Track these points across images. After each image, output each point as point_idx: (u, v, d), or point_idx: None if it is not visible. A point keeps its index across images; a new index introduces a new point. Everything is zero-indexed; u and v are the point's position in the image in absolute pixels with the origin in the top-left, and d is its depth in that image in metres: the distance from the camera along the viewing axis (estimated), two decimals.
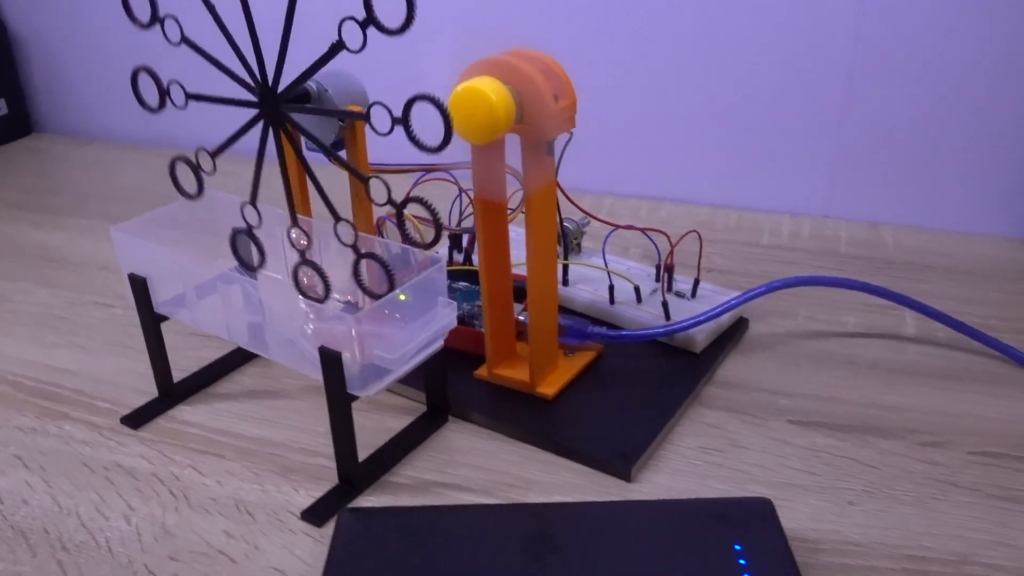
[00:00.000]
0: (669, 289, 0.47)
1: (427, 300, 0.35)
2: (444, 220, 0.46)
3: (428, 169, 0.41)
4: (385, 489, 0.36)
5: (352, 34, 0.30)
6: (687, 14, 0.58)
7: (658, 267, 0.47)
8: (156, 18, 0.35)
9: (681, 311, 0.44)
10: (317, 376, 0.34)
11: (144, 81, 0.36)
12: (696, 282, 0.46)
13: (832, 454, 0.37)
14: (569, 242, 0.50)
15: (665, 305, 0.44)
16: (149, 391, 0.42)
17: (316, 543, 0.33)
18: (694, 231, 0.46)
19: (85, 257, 0.57)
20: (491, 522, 0.32)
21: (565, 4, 0.61)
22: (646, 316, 0.45)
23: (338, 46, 0.30)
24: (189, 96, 0.36)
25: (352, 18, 0.30)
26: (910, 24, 0.54)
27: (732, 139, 0.61)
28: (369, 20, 0.29)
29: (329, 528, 0.33)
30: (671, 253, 0.45)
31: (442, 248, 0.51)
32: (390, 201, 0.33)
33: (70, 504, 0.35)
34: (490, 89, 0.33)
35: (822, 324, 0.47)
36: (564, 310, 0.46)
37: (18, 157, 0.78)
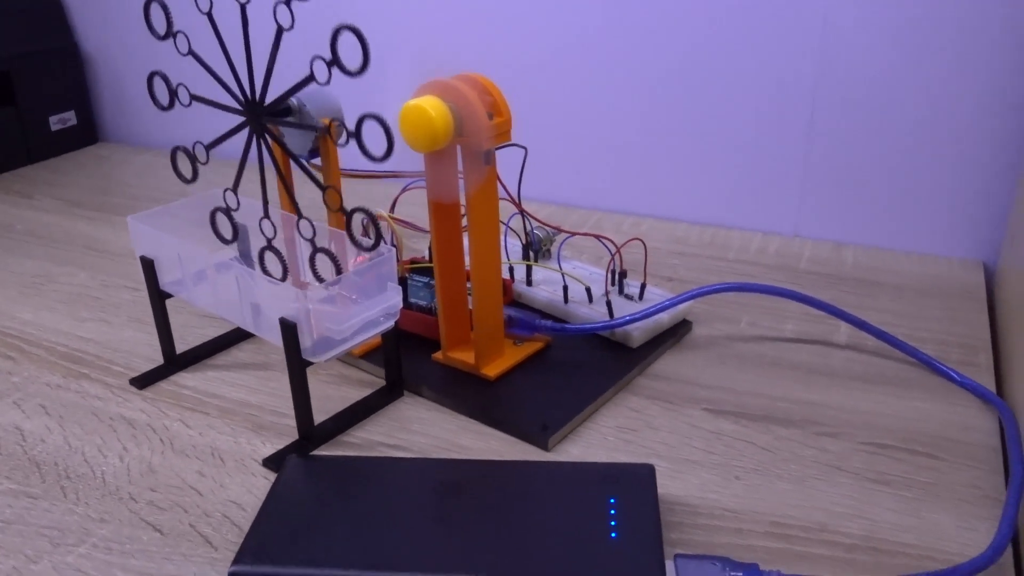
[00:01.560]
0: (621, 292, 0.52)
1: (379, 285, 0.41)
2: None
3: (391, 175, 0.47)
4: (338, 446, 0.42)
5: (321, 70, 0.36)
6: (666, 45, 0.63)
7: (613, 271, 0.52)
8: (170, 32, 0.41)
9: (626, 311, 0.49)
10: (268, 339, 0.40)
11: (158, 84, 0.43)
12: (642, 286, 0.51)
13: (733, 438, 0.42)
14: (539, 248, 0.55)
15: (609, 304, 0.49)
16: (157, 359, 0.49)
17: (270, 483, 0.39)
18: (637, 239, 0.51)
19: (124, 248, 0.65)
20: (412, 471, 0.37)
21: (546, 29, 0.67)
22: (594, 314, 0.50)
23: (309, 79, 0.37)
24: (193, 97, 0.43)
25: (320, 58, 0.36)
26: (869, 60, 0.58)
27: (711, 162, 0.66)
28: (334, 62, 0.36)
29: None
30: (613, 258, 0.50)
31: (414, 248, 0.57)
32: (340, 208, 0.39)
33: (78, 444, 0.42)
34: (430, 106, 0.39)
35: (762, 330, 0.51)
36: (524, 306, 0.52)
37: (85, 162, 0.87)
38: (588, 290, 0.51)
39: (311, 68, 0.36)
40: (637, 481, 0.36)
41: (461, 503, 0.35)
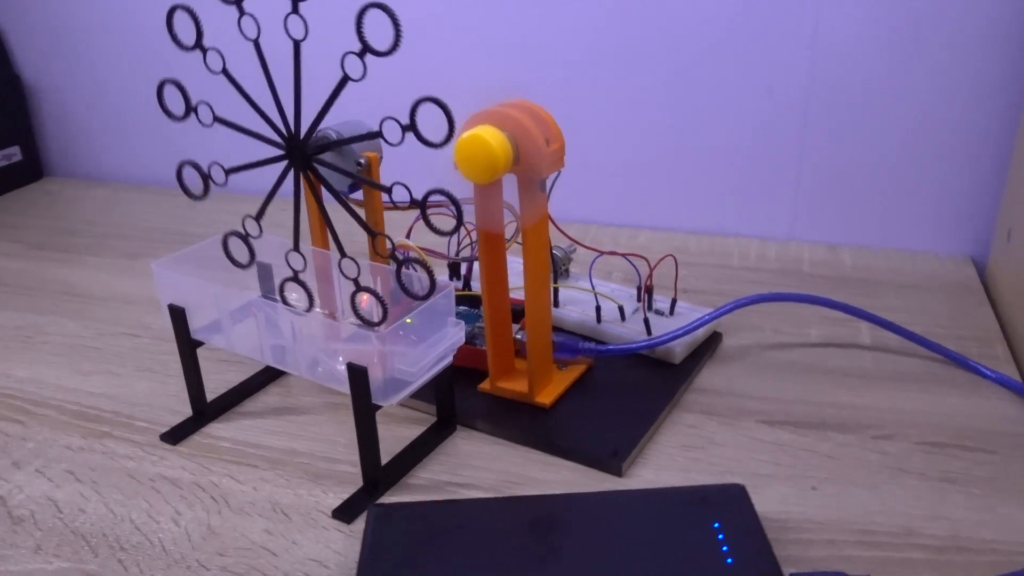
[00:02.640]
0: (649, 308, 0.52)
1: (437, 321, 0.40)
2: (444, 251, 0.51)
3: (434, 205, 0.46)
4: (404, 490, 0.40)
5: (353, 65, 0.35)
6: (658, 58, 0.64)
7: (639, 288, 0.53)
8: (199, 45, 0.39)
9: (660, 327, 0.49)
10: (343, 390, 0.39)
11: (171, 92, 0.40)
12: (673, 301, 0.51)
13: (796, 448, 0.42)
14: (558, 267, 0.55)
15: (647, 322, 0.49)
16: (181, 410, 0.46)
17: (347, 537, 0.37)
18: (670, 255, 0.51)
19: (109, 292, 0.61)
20: (502, 512, 0.36)
21: (534, 47, 0.66)
22: (629, 332, 0.50)
23: (344, 79, 0.35)
24: (217, 119, 0.40)
25: (351, 52, 0.35)
26: (858, 66, 0.60)
27: (705, 172, 0.67)
28: (364, 49, 0.34)
29: (357, 524, 0.38)
30: (650, 275, 0.50)
31: (443, 275, 0.56)
32: (393, 257, 0.38)
33: (122, 511, 0.39)
34: (490, 136, 0.38)
35: (787, 336, 0.53)
36: (556, 329, 0.51)
37: (34, 200, 0.82)
38: (621, 308, 0.51)
39: (342, 67, 0.35)
40: (733, 502, 0.36)
41: (563, 540, 0.34)
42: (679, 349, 0.48)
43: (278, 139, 0.39)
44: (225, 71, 0.39)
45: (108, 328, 0.56)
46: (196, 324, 0.44)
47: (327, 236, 0.45)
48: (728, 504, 0.36)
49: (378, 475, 0.40)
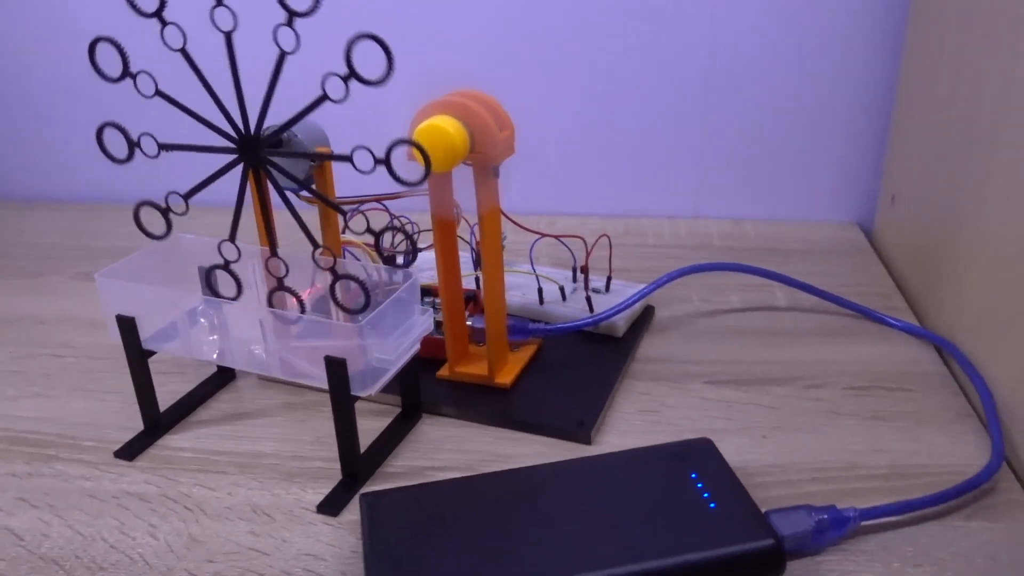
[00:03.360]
0: (586, 287, 0.54)
1: (405, 310, 0.40)
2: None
3: (386, 198, 0.47)
4: (383, 479, 0.41)
5: (335, 87, 0.35)
6: (564, 48, 0.67)
7: (574, 269, 0.55)
8: (127, 73, 0.38)
9: (600, 304, 0.52)
10: (314, 383, 0.39)
11: (112, 135, 0.40)
12: (608, 279, 0.54)
13: (741, 403, 0.46)
14: None
15: (589, 300, 0.52)
16: (129, 426, 0.45)
17: (335, 529, 0.38)
18: (605, 235, 0.54)
19: (14, 314, 0.58)
20: (490, 486, 0.37)
21: (438, 36, 0.68)
22: (572, 311, 0.52)
23: (322, 98, 0.36)
24: (162, 147, 0.40)
25: (335, 74, 0.35)
26: (751, 52, 0.65)
27: (614, 158, 0.70)
28: (351, 75, 0.35)
29: (345, 516, 0.38)
30: (587, 256, 0.53)
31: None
32: (369, 230, 0.39)
33: (91, 531, 0.38)
34: (448, 125, 0.39)
35: (713, 304, 0.56)
36: None
37: None
38: (562, 289, 0.53)
39: (323, 86, 0.35)
40: (703, 454, 0.38)
41: (554, 505, 0.36)
42: (621, 323, 0.51)
43: (231, 134, 0.39)
44: (159, 92, 0.38)
45: (25, 350, 0.53)
46: (145, 334, 0.42)
47: (273, 235, 0.44)
48: (699, 456, 0.38)
49: (358, 467, 0.40)
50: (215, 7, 0.35)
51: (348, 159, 0.37)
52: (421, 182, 0.36)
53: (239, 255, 0.40)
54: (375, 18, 0.68)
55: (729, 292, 0.58)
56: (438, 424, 0.45)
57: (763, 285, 0.58)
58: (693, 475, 0.37)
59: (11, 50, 0.75)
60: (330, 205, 0.39)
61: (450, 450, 0.43)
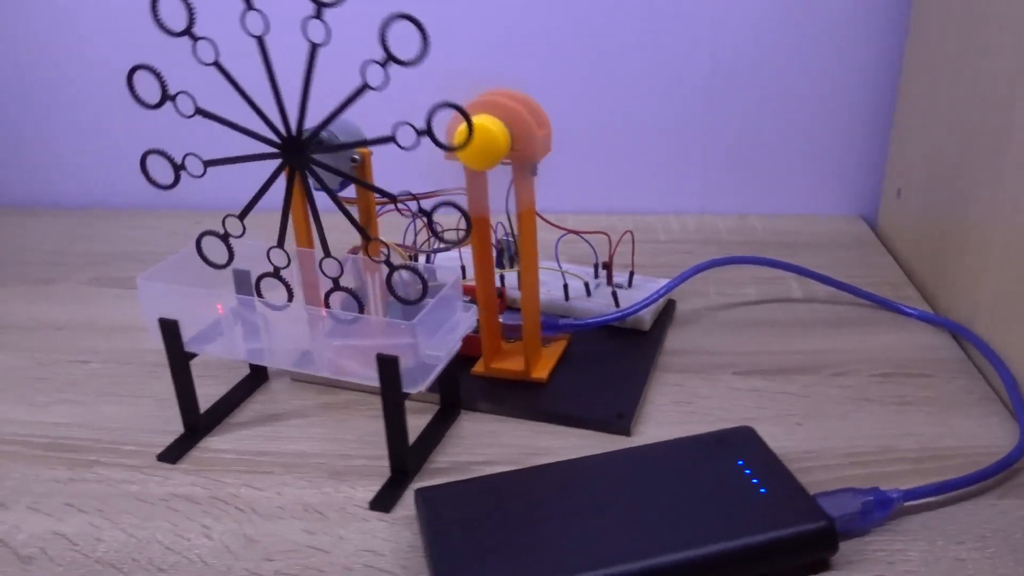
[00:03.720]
0: (608, 282, 0.55)
1: (450, 307, 0.41)
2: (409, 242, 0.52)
3: (422, 196, 0.47)
4: (430, 475, 0.41)
5: (375, 73, 0.36)
6: (571, 49, 0.68)
7: (596, 265, 0.56)
8: (167, 97, 0.38)
9: (625, 299, 0.53)
10: (363, 381, 0.39)
11: (156, 163, 0.40)
12: (631, 274, 0.55)
13: (771, 392, 0.47)
14: (514, 253, 0.57)
15: (614, 295, 0.52)
16: (167, 429, 0.45)
17: (390, 525, 0.38)
18: (629, 232, 0.55)
19: (32, 321, 0.57)
20: (543, 478, 0.38)
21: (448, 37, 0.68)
22: (597, 306, 0.53)
23: (363, 87, 0.36)
24: (207, 163, 0.40)
25: (373, 60, 0.35)
26: (752, 48, 0.66)
27: (623, 157, 0.71)
28: (388, 58, 0.35)
29: (397, 512, 0.39)
30: (613, 251, 0.53)
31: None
32: (421, 211, 0.39)
33: (144, 534, 0.38)
34: (491, 124, 0.40)
35: (730, 297, 0.58)
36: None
37: None
38: (587, 285, 0.54)
39: (362, 75, 0.35)
40: (747, 442, 0.40)
41: (608, 495, 0.37)
42: (648, 317, 0.52)
43: (274, 140, 0.39)
44: (199, 110, 0.38)
45: (47, 357, 0.53)
46: (185, 336, 0.42)
47: (311, 236, 0.45)
48: (743, 444, 0.39)
49: (407, 463, 0.40)
50: (246, 12, 0.35)
51: (391, 140, 0.37)
52: (463, 147, 0.36)
53: (289, 261, 0.40)
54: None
55: (744, 285, 0.59)
56: (476, 420, 0.45)
57: (776, 278, 0.59)
58: (740, 462, 0.38)
59: (9, 55, 0.74)
60: (382, 193, 0.39)
61: (491, 445, 0.43)
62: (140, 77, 0.38)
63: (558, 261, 0.53)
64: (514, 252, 0.57)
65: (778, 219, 0.70)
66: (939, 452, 0.42)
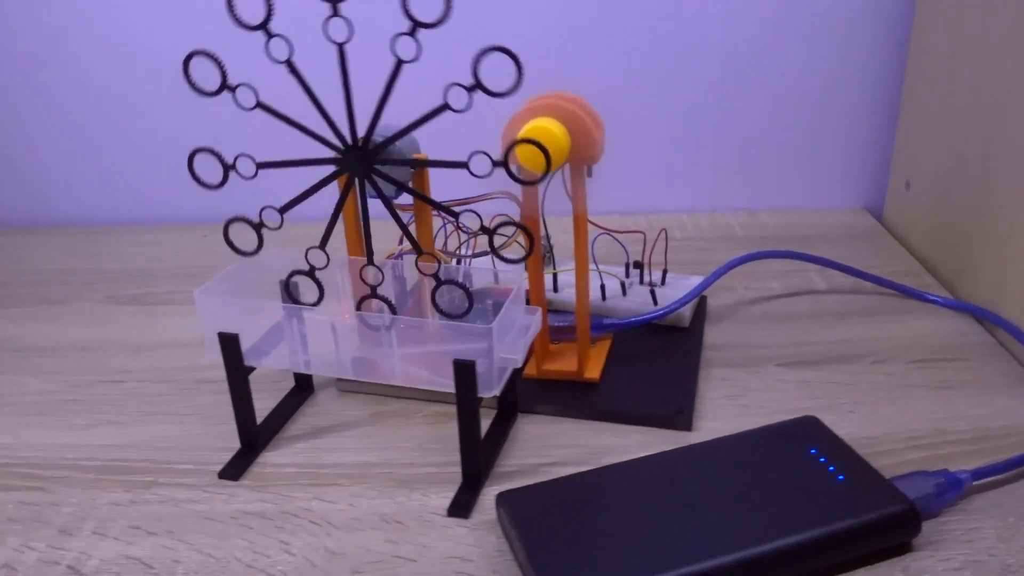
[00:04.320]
0: (641, 281, 0.56)
1: (517, 310, 0.41)
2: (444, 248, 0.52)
3: (473, 201, 0.47)
4: (501, 479, 0.41)
5: (459, 97, 0.36)
6: (581, 50, 0.68)
7: (627, 264, 0.56)
8: (225, 86, 0.37)
9: (661, 297, 0.53)
10: (437, 387, 0.39)
11: (205, 161, 0.39)
12: (664, 272, 0.56)
13: (818, 382, 0.48)
14: (547, 255, 0.57)
15: (652, 293, 0.53)
16: (218, 446, 0.44)
17: (471, 531, 0.38)
18: (663, 230, 0.55)
19: (51, 342, 0.55)
20: (622, 476, 0.38)
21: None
22: (634, 305, 0.53)
23: (443, 107, 0.36)
24: (260, 165, 0.39)
25: (459, 84, 0.35)
26: (761, 53, 0.68)
27: (636, 157, 0.72)
28: (477, 85, 0.35)
29: (476, 517, 0.38)
30: (651, 250, 0.54)
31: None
32: (483, 228, 0.39)
33: (221, 554, 0.37)
34: (554, 127, 0.40)
35: (757, 292, 0.59)
36: (561, 312, 0.54)
37: None
38: (623, 284, 0.54)
39: (445, 96, 0.36)
40: (813, 431, 0.40)
41: (690, 489, 0.37)
42: (687, 313, 0.52)
43: (337, 145, 0.39)
44: (260, 104, 0.38)
45: (78, 379, 0.51)
46: (245, 348, 0.42)
47: (362, 244, 0.44)
48: (811, 433, 0.40)
49: (480, 469, 0.40)
50: (330, 17, 0.35)
51: (464, 165, 0.37)
52: (540, 181, 0.37)
53: (328, 262, 0.40)
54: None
55: (767, 279, 0.60)
56: (534, 422, 0.45)
57: (797, 270, 0.60)
58: (813, 451, 0.39)
59: (7, 74, 0.72)
60: (442, 209, 0.39)
61: (555, 446, 0.43)
62: (197, 63, 0.37)
63: (595, 261, 0.54)
64: (546, 254, 0.57)
65: (786, 213, 0.72)
66: (991, 432, 0.43)
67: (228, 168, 0.39)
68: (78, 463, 0.43)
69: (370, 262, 0.41)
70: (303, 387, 0.49)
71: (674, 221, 0.71)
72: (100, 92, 0.71)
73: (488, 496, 0.40)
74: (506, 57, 0.34)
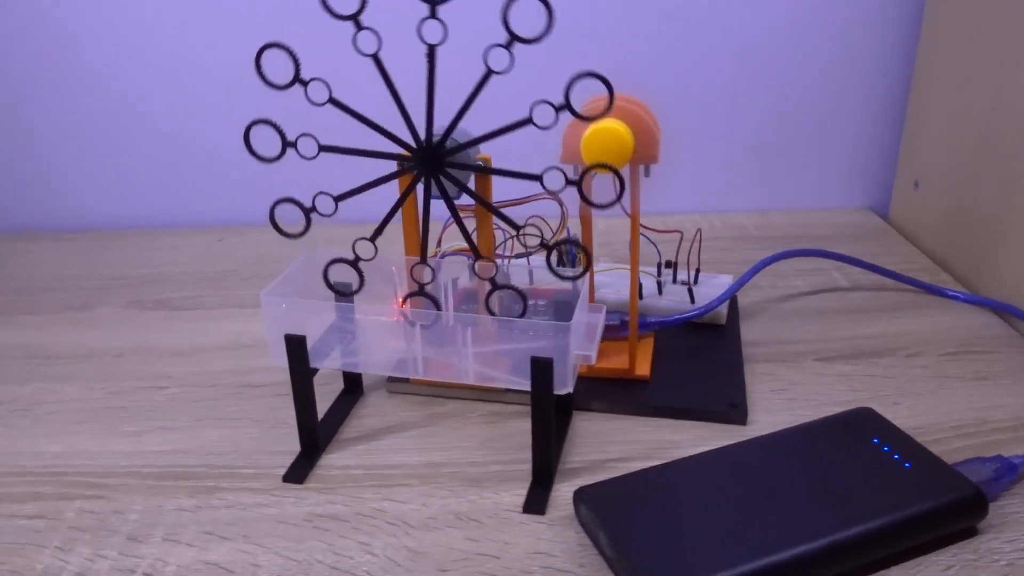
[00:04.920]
0: (674, 280, 0.57)
1: (585, 307, 0.41)
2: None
3: (523, 201, 0.47)
4: (569, 475, 0.42)
5: (545, 114, 0.36)
6: (597, 53, 0.69)
7: (659, 264, 0.57)
8: (297, 79, 0.37)
9: (697, 296, 0.54)
10: (509, 385, 0.39)
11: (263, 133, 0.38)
12: (697, 271, 0.57)
13: (858, 375, 0.49)
14: (576, 257, 0.58)
15: (690, 291, 0.54)
16: (277, 450, 0.44)
17: (550, 526, 0.38)
18: (699, 229, 0.56)
19: (82, 349, 0.54)
20: (696, 468, 0.39)
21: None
22: (671, 303, 0.54)
23: (527, 121, 0.36)
24: (323, 148, 0.39)
25: (547, 102, 0.36)
26: (774, 60, 0.69)
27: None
28: (566, 106, 0.36)
29: (551, 513, 0.39)
30: (689, 250, 0.55)
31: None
32: (543, 243, 0.40)
33: (301, 556, 0.37)
34: (619, 127, 0.40)
35: (783, 290, 0.60)
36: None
37: None
38: (659, 283, 0.55)
39: (531, 112, 0.36)
40: (873, 421, 0.42)
41: (765, 481, 0.38)
42: (724, 311, 0.53)
43: (410, 145, 0.39)
44: (332, 99, 0.38)
45: (118, 386, 0.50)
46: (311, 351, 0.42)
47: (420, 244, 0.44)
48: (869, 423, 0.42)
49: (552, 466, 0.41)
50: (425, 19, 0.35)
51: (538, 178, 0.38)
52: (612, 204, 0.37)
53: (375, 253, 0.40)
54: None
55: (791, 277, 0.62)
56: (589, 419, 0.46)
57: (819, 269, 0.62)
58: (875, 440, 0.40)
59: (4, 76, 0.70)
60: (505, 219, 0.40)
61: (615, 442, 0.44)
62: (270, 55, 0.37)
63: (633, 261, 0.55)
64: (575, 255, 0.58)
65: (796, 214, 0.74)
66: None
67: (288, 144, 0.39)
68: (136, 470, 0.43)
69: (423, 260, 0.41)
70: (352, 390, 0.48)
71: (688, 222, 0.72)
72: (103, 97, 0.70)
73: (558, 492, 0.40)
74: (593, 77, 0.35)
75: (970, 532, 0.37)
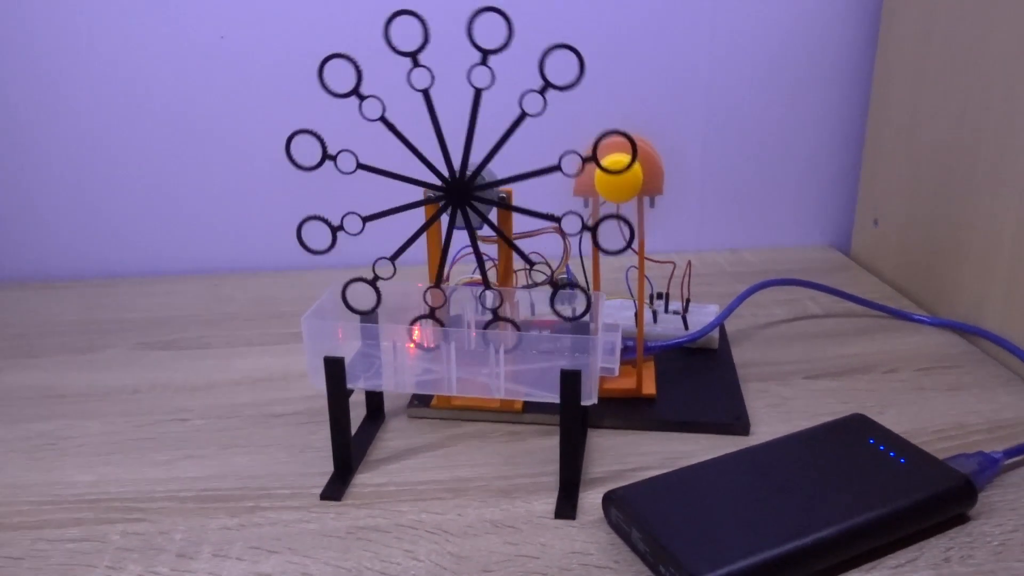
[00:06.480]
0: (666, 310, 0.61)
1: (601, 327, 0.45)
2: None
3: (531, 234, 0.51)
4: (593, 485, 0.44)
5: (572, 163, 0.40)
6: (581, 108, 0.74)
7: (651, 295, 0.61)
8: (356, 91, 0.40)
9: (689, 323, 0.58)
10: (538, 399, 0.42)
11: (304, 142, 0.41)
12: (687, 300, 0.61)
13: (844, 390, 0.53)
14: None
15: (684, 319, 0.58)
16: (310, 472, 0.45)
17: (581, 529, 0.41)
18: (689, 261, 0.61)
19: (99, 388, 0.55)
20: (715, 471, 0.42)
21: None
22: (667, 329, 0.58)
23: (555, 168, 0.40)
24: (361, 166, 0.42)
25: (575, 152, 0.40)
26: (741, 112, 0.75)
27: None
28: (592, 158, 0.40)
29: (582, 518, 0.41)
30: (682, 280, 0.59)
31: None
32: (551, 282, 0.44)
33: (351, 565, 0.38)
34: (635, 167, 0.44)
35: (763, 317, 0.64)
36: None
37: None
38: (655, 312, 0.59)
39: (559, 161, 0.40)
40: (866, 425, 0.46)
41: (780, 479, 0.41)
42: (716, 335, 0.57)
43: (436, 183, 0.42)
44: (384, 119, 0.41)
45: (142, 420, 0.51)
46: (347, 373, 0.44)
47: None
48: (864, 427, 0.45)
49: (578, 475, 0.43)
50: (476, 65, 0.39)
51: (557, 220, 0.41)
52: (623, 251, 0.41)
53: (394, 272, 0.43)
54: None
55: (770, 307, 0.66)
56: (603, 435, 0.49)
57: (793, 299, 0.67)
58: (871, 440, 0.44)
59: (5, 124, 0.72)
60: (520, 253, 0.43)
61: (631, 454, 0.47)
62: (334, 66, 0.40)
63: (631, 291, 0.58)
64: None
65: (763, 251, 0.79)
66: (1003, 423, 0.49)
67: (328, 157, 0.41)
68: (173, 494, 0.44)
69: (436, 285, 0.44)
70: (375, 415, 0.51)
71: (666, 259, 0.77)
72: (92, 145, 0.72)
73: (584, 500, 0.43)
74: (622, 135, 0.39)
75: (962, 519, 0.41)
